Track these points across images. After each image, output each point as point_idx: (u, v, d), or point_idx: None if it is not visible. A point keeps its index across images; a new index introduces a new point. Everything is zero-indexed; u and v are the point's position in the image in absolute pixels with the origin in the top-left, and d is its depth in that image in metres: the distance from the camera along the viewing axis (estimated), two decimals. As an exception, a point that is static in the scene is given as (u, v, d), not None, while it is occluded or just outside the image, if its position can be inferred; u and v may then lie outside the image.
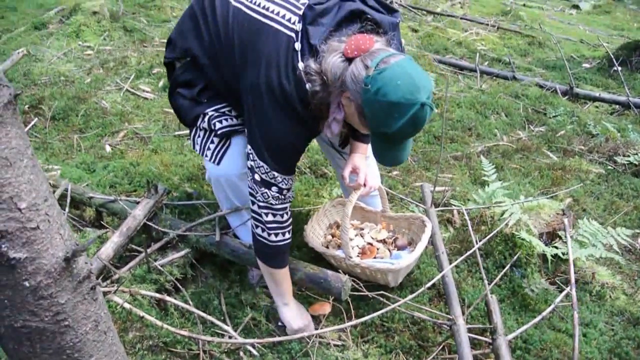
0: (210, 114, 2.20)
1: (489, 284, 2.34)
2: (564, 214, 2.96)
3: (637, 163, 4.08)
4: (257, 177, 2.02)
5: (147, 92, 4.37)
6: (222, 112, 2.21)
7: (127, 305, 2.15)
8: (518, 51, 6.99)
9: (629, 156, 4.15)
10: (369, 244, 2.66)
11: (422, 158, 3.92)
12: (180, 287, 2.38)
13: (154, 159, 3.32)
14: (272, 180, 2.01)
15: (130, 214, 2.49)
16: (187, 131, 3.83)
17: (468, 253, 2.05)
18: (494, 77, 5.83)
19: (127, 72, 4.64)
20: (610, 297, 2.78)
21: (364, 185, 2.36)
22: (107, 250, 2.33)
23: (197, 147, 2.32)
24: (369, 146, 2.48)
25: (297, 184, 3.34)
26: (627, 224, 3.40)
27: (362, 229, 2.77)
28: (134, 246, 2.58)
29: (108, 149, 3.54)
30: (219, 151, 2.26)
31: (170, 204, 2.80)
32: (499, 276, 2.23)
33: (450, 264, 2.51)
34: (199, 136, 2.30)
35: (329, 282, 2.26)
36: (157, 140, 3.63)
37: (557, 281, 2.80)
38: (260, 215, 2.09)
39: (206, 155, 2.28)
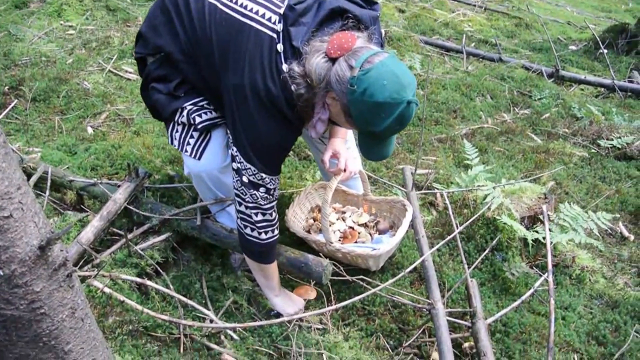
0: (188, 108, 2.16)
1: (469, 268, 2.36)
2: (545, 198, 2.98)
3: (620, 147, 4.11)
4: (244, 179, 2.00)
5: (130, 73, 4.32)
6: (200, 105, 2.17)
7: (107, 290, 2.14)
8: (505, 33, 6.97)
9: (612, 140, 4.18)
10: (351, 227, 2.67)
11: (406, 140, 3.91)
12: (161, 271, 2.38)
13: (136, 141, 3.30)
14: (261, 182, 2.01)
15: (111, 197, 2.47)
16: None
17: (449, 238, 2.06)
18: (480, 59, 5.82)
19: (110, 52, 4.58)
20: (589, 280, 2.81)
21: (344, 170, 2.36)
22: (88, 234, 2.32)
23: (176, 143, 2.27)
24: (349, 131, 2.47)
25: (280, 167, 3.33)
26: (608, 207, 3.43)
27: (344, 213, 2.77)
28: (115, 229, 2.57)
29: (90, 130, 3.50)
30: (199, 146, 2.23)
31: (151, 187, 2.79)
32: (479, 260, 2.25)
33: (432, 247, 2.53)
34: (176, 131, 2.25)
35: (310, 266, 2.26)
36: (139, 122, 3.60)
37: (538, 265, 2.83)
38: (249, 216, 2.08)
39: (186, 151, 2.24)
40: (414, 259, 2.68)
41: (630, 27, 6.52)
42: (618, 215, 3.27)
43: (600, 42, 6.11)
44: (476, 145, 3.83)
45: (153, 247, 2.42)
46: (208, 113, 2.18)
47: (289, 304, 2.36)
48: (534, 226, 2.87)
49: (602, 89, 5.45)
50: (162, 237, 2.45)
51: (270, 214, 2.11)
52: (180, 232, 2.51)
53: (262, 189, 2.02)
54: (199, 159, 2.23)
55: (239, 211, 2.11)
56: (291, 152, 3.50)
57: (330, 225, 2.62)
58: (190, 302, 2.16)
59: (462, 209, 3.09)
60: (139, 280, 2.19)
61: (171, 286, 2.34)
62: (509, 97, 4.90)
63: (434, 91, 4.73)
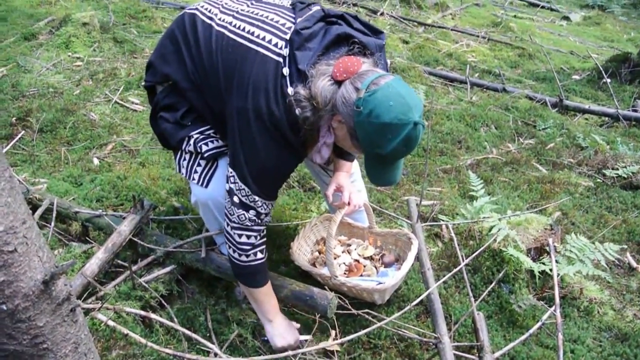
0: (195, 136, 2.18)
1: (475, 301, 2.34)
2: (552, 229, 2.96)
3: (625, 176, 4.10)
4: (235, 199, 2.00)
5: (136, 104, 4.36)
6: (207, 134, 2.19)
7: (111, 323, 2.13)
8: (508, 63, 7.02)
9: (617, 169, 4.16)
10: (356, 260, 2.66)
11: (411, 171, 3.91)
12: (165, 304, 2.36)
13: (141, 173, 3.31)
14: (252, 204, 2.00)
15: (116, 229, 2.47)
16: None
17: (455, 270, 2.05)
18: (484, 89, 5.85)
19: (117, 83, 4.62)
20: (598, 312, 2.78)
21: (348, 203, 2.35)
22: (92, 266, 2.31)
23: (183, 171, 2.29)
24: (354, 163, 2.48)
25: (285, 198, 3.33)
26: (615, 237, 3.40)
27: (349, 245, 2.76)
28: (119, 261, 2.56)
29: (96, 161, 3.52)
30: (206, 174, 2.24)
31: (156, 219, 2.79)
32: (485, 292, 2.23)
33: (438, 280, 2.50)
34: (184, 159, 2.27)
35: (315, 299, 2.25)
36: (145, 153, 3.62)
37: (545, 297, 2.80)
38: (232, 236, 2.08)
39: (193, 179, 2.25)
40: (419, 292, 2.66)
41: (632, 56, 6.55)
42: (625, 246, 3.25)
43: (603, 72, 6.13)
44: (481, 176, 3.82)
45: (157, 280, 2.42)
46: (215, 141, 2.19)
47: (279, 335, 2.29)
48: (541, 258, 2.85)
49: (607, 118, 5.45)
50: (167, 269, 2.45)
51: (256, 238, 2.09)
52: (185, 265, 2.50)
53: (252, 212, 2.02)
54: (206, 186, 2.23)
55: (225, 232, 2.11)
56: (296, 183, 3.50)
57: (335, 259, 2.61)
58: (194, 335, 2.13)
59: (467, 240, 3.07)
60: (142, 313, 2.17)
61: (175, 319, 2.32)
62: (513, 127, 4.90)
63: (439, 122, 4.74)
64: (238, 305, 2.56)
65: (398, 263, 2.66)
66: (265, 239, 2.15)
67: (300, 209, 3.27)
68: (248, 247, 2.09)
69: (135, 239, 2.47)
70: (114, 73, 4.80)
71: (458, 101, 5.40)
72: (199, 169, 2.25)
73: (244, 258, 2.11)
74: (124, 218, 2.58)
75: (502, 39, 7.87)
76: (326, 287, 2.39)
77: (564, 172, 4.18)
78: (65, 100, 4.21)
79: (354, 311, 2.20)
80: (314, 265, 2.70)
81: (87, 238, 2.80)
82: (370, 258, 2.67)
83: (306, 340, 2.35)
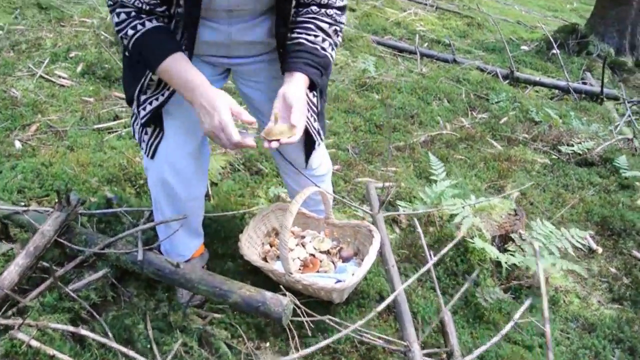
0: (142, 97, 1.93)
1: (444, 303, 2.16)
2: (516, 214, 2.81)
3: (580, 152, 4.01)
4: None
5: (64, 78, 3.95)
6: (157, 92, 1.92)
7: (34, 343, 1.84)
8: (457, 32, 6.86)
9: (572, 145, 4.07)
10: (312, 255, 2.43)
11: (363, 150, 3.70)
12: (97, 315, 2.08)
13: (69, 158, 2.96)
14: None
15: (39, 229, 2.16)
16: (107, 124, 3.49)
17: (422, 270, 1.86)
18: (434, 60, 5.67)
19: (42, 55, 4.18)
20: (564, 301, 2.67)
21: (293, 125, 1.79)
22: (11, 274, 2.00)
23: (136, 137, 2.07)
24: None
25: (229, 183, 3.07)
26: (574, 217, 3.31)
27: (304, 237, 2.53)
28: (45, 263, 2.25)
29: (18, 145, 3.14)
30: (152, 141, 2.00)
31: (86, 213, 2.48)
32: (456, 297, 2.05)
33: (401, 275, 2.31)
34: (136, 123, 2.03)
35: (268, 306, 2.00)
36: (73, 134, 3.26)
37: (511, 287, 2.66)
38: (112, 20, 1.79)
39: (142, 148, 2.03)
40: (380, 288, 2.46)
41: (580, 27, 6.50)
42: (592, 232, 3.14)
43: (553, 42, 6.04)
44: (436, 154, 3.65)
45: (88, 287, 2.12)
46: (158, 98, 1.93)
47: (201, 118, 1.76)
48: (506, 245, 2.70)
49: (557, 91, 5.38)
50: (99, 274, 2.15)
51: (129, 14, 1.76)
52: (120, 267, 2.22)
53: None
54: (152, 157, 2.01)
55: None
56: (242, 166, 3.23)
57: (288, 255, 2.37)
58: (131, 353, 1.89)
59: (427, 226, 2.90)
60: (71, 329, 1.91)
61: (109, 333, 2.04)
62: (465, 100, 4.75)
63: (390, 95, 4.53)
64: (181, 309, 2.30)
65: (357, 257, 2.45)
66: (145, 16, 1.77)
67: (247, 194, 3.01)
68: (123, 25, 1.76)
69: (61, 240, 2.16)
70: (38, 43, 4.35)
71: (408, 73, 5.21)
72: (146, 136, 2.01)
73: (130, 32, 1.76)
74: (48, 214, 2.27)
75: (450, 8, 7.70)
76: (281, 286, 2.16)
77: (519, 149, 4.06)
78: (-18, 75, 3.78)
79: (310, 319, 1.98)
80: (265, 259, 2.47)
81: (8, 234, 2.47)
82: (327, 252, 2.45)
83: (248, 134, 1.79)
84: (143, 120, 1.95)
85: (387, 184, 3.25)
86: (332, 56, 1.93)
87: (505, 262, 2.46)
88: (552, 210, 3.36)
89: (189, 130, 2.00)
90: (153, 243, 2.35)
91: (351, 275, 2.29)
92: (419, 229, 2.14)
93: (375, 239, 2.29)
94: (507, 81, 5.37)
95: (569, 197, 3.53)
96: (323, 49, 1.88)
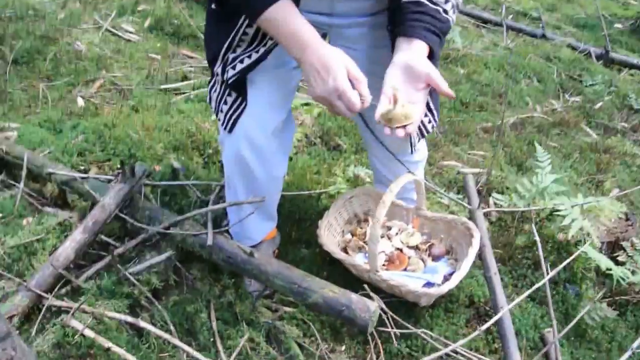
0: (232, 55, 1.64)
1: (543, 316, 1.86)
2: (627, 219, 2.45)
3: (690, 147, 3.58)
4: None
5: (131, 32, 3.73)
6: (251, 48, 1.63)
7: (88, 332, 1.63)
8: (545, 5, 6.34)
9: (679, 139, 3.64)
10: (398, 249, 2.15)
11: (449, 129, 3.37)
12: (157, 304, 1.85)
13: (134, 120, 2.73)
14: None
15: (99, 202, 1.94)
16: (174, 84, 3.25)
17: (536, 286, 1.56)
18: (521, 34, 5.23)
19: (109, 7, 3.97)
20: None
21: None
22: (67, 251, 1.80)
23: (213, 105, 1.80)
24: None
25: (304, 159, 2.80)
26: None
27: (390, 229, 2.25)
28: (104, 238, 2.05)
29: (80, 102, 2.94)
30: (233, 112, 1.73)
31: (149, 183, 2.25)
32: (568, 328, 1.74)
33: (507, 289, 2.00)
34: (214, 88, 1.77)
35: (353, 310, 1.74)
36: (139, 94, 3.03)
37: (616, 302, 2.31)
38: None
39: (219, 118, 1.77)
40: (471, 292, 2.17)
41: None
42: None
43: (652, 21, 5.51)
44: (527, 140, 3.30)
45: (150, 270, 1.90)
46: (249, 57, 1.64)
47: (313, 79, 1.46)
48: (614, 254, 2.35)
49: (656, 76, 4.88)
50: (163, 256, 1.92)
51: None
52: (185, 249, 1.98)
53: None
54: (230, 130, 1.74)
55: None
56: (318, 139, 2.96)
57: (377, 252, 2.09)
58: (191, 351, 1.66)
59: (520, 223, 2.57)
60: (130, 319, 1.69)
61: (170, 325, 1.82)
62: (557, 81, 4.33)
63: (476, 70, 4.16)
64: (249, 299, 2.06)
65: (449, 256, 2.15)
66: None
67: (324, 172, 2.74)
68: None
69: (123, 215, 1.94)
70: (106, -7, 4.15)
71: (494, 47, 4.80)
72: (226, 106, 1.74)
73: None
74: (109, 182, 2.05)
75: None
76: (364, 284, 1.89)
77: (617, 139, 3.64)
78: (47, 26, 3.57)
79: (406, 331, 1.71)
80: (345, 250, 2.20)
81: (65, 201, 2.28)
82: (416, 248, 2.16)
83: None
84: (230, 81, 1.67)
85: (475, 170, 2.93)
86: (453, 21, 1.60)
87: (622, 278, 2.11)
88: (657, 213, 2.98)
89: (275, 104, 1.73)
90: (221, 222, 2.12)
91: (442, 278, 2.02)
92: (536, 236, 1.82)
93: (474, 239, 1.99)
94: (601, 62, 4.90)
95: (678, 198, 3.13)
96: (445, 11, 1.55)
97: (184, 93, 3.13)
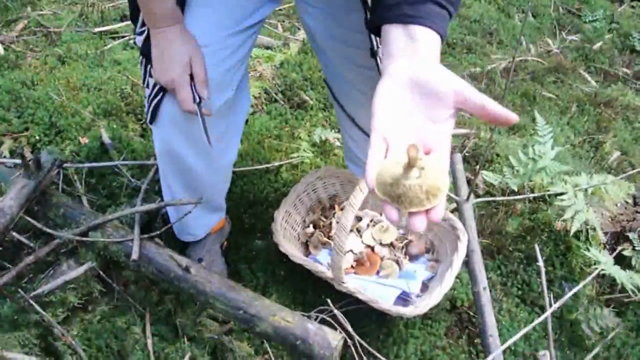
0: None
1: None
2: (635, 204, 2.13)
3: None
4: None
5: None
6: None
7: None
8: None
9: (687, 88, 3.29)
10: (369, 247, 1.81)
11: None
12: (70, 330, 1.51)
13: (57, 76, 2.27)
14: None
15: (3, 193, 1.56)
16: (111, 26, 2.77)
17: (539, 320, 1.24)
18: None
19: None
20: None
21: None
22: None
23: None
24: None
25: (263, 118, 2.40)
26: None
27: (360, 219, 1.90)
28: (16, 235, 1.67)
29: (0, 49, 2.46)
30: (154, 96, 1.32)
31: (69, 166, 1.85)
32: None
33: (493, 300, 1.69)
34: (141, 63, 1.36)
35: (311, 345, 1.42)
36: (68, 39, 2.55)
37: (615, 300, 2.03)
38: None
39: (145, 95, 1.37)
40: (452, 293, 1.85)
41: None
42: None
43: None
44: (520, 90, 2.93)
45: (66, 287, 1.54)
46: None
47: (157, 63, 1.25)
48: (618, 247, 2.04)
49: (659, 9, 4.46)
50: (81, 269, 1.55)
51: None
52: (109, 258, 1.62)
53: None
54: (152, 120, 1.37)
55: None
56: (280, 94, 2.55)
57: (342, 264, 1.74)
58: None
59: (516, 204, 2.24)
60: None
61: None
62: (554, 15, 3.90)
63: (465, 2, 3.71)
64: (192, 307, 1.72)
65: (430, 255, 1.82)
66: None
67: (285, 136, 2.35)
68: None
69: (29, 219, 1.56)
70: None
71: (485, -26, 4.32)
72: (147, 90, 1.35)
73: None
74: (15, 166, 1.66)
75: None
76: (328, 301, 1.56)
77: (617, 87, 3.27)
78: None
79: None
80: (306, 245, 1.86)
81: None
82: (391, 245, 1.83)
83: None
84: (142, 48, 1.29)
85: (462, 130, 2.57)
86: None
87: (634, 292, 1.80)
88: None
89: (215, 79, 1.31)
90: (155, 220, 1.76)
91: (421, 285, 1.70)
92: (539, 258, 1.48)
93: (461, 242, 1.66)
94: (602, -9, 4.46)
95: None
96: None
97: (123, 37, 2.65)
